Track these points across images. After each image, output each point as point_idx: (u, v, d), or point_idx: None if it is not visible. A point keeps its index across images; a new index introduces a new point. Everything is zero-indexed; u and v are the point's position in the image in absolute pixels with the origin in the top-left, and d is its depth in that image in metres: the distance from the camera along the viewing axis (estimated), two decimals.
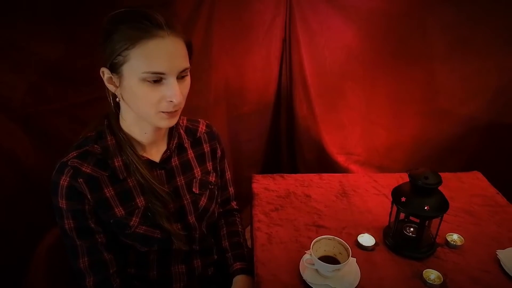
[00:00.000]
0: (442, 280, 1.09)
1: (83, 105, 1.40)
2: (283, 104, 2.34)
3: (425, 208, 1.10)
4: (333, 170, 2.26)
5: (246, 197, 1.54)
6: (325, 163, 2.35)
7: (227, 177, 1.36)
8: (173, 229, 1.07)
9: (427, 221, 1.18)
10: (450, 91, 2.03)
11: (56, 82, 1.33)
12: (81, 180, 0.95)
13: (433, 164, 2.13)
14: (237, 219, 1.41)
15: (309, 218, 1.36)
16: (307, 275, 1.09)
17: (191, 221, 1.15)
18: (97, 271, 1.01)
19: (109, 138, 1.01)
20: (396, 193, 1.17)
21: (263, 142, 2.39)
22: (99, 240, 1.01)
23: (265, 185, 1.53)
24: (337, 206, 1.42)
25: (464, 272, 1.14)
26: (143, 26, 0.87)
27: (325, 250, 1.11)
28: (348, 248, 1.07)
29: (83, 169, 0.96)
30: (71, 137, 1.41)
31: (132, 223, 1.02)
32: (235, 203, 1.43)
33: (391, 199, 1.18)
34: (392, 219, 1.26)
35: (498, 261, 1.17)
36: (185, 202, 1.14)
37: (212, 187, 1.22)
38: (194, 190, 1.16)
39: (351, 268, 1.12)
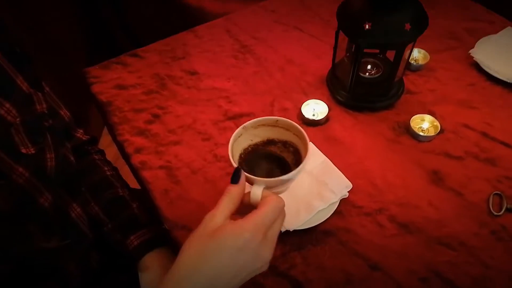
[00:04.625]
0: (439, 126, 0.74)
1: None
2: None
3: (405, 27, 0.64)
4: (181, 14, 1.60)
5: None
6: (172, 8, 1.64)
7: (48, 91, 0.69)
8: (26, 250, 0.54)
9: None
10: None
11: None
12: None
13: None
14: (96, 157, 0.79)
15: (214, 110, 0.81)
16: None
17: (45, 204, 0.56)
18: None
19: None
20: (350, 20, 0.68)
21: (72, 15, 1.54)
22: None
23: (115, 81, 0.87)
24: (244, 73, 0.88)
25: (448, 99, 0.81)
26: None
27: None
28: (295, 126, 0.53)
29: None
30: None
31: None
32: (82, 131, 0.79)
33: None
34: (337, 59, 0.80)
35: (475, 65, 0.86)
36: (21, 181, 0.52)
37: (50, 122, 0.59)
38: (23, 150, 0.53)
39: (326, 164, 0.68)
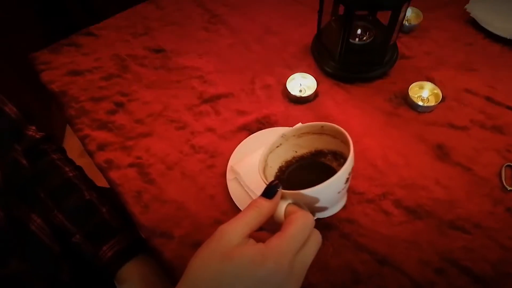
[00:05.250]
0: (440, 94, 0.66)
1: None
2: None
3: None
4: None
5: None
6: None
7: None
8: None
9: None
10: None
11: None
12: None
13: None
14: (55, 157, 0.69)
15: (187, 93, 0.70)
16: None
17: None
18: None
19: None
20: None
21: None
22: None
23: (67, 66, 0.74)
24: (218, 48, 0.77)
25: (446, 62, 0.73)
26: None
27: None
28: (342, 133, 0.43)
29: None
30: None
31: None
32: (34, 128, 0.69)
33: None
34: (322, 25, 0.71)
35: (472, 22, 0.78)
36: None
37: None
38: None
39: None
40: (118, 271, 0.61)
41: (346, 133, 0.42)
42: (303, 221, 0.35)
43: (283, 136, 0.47)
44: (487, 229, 0.54)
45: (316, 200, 0.39)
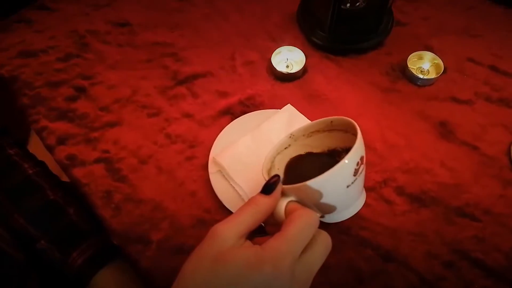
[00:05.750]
0: (442, 64, 0.60)
1: None
2: None
3: None
4: None
5: None
6: None
7: None
8: None
9: None
10: None
11: None
12: None
13: None
14: (12, 152, 0.61)
15: (159, 73, 0.62)
16: None
17: None
18: None
19: None
20: None
21: None
22: None
23: (18, 47, 0.64)
24: (192, 19, 0.68)
25: (446, 28, 0.66)
26: None
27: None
28: (352, 124, 0.38)
29: None
30: None
31: None
32: None
33: None
34: None
35: None
36: None
37: None
38: None
39: None
40: (91, 279, 0.54)
41: (354, 123, 0.37)
42: (305, 220, 0.31)
43: (292, 136, 0.43)
44: (497, 215, 0.49)
45: (321, 195, 0.33)
